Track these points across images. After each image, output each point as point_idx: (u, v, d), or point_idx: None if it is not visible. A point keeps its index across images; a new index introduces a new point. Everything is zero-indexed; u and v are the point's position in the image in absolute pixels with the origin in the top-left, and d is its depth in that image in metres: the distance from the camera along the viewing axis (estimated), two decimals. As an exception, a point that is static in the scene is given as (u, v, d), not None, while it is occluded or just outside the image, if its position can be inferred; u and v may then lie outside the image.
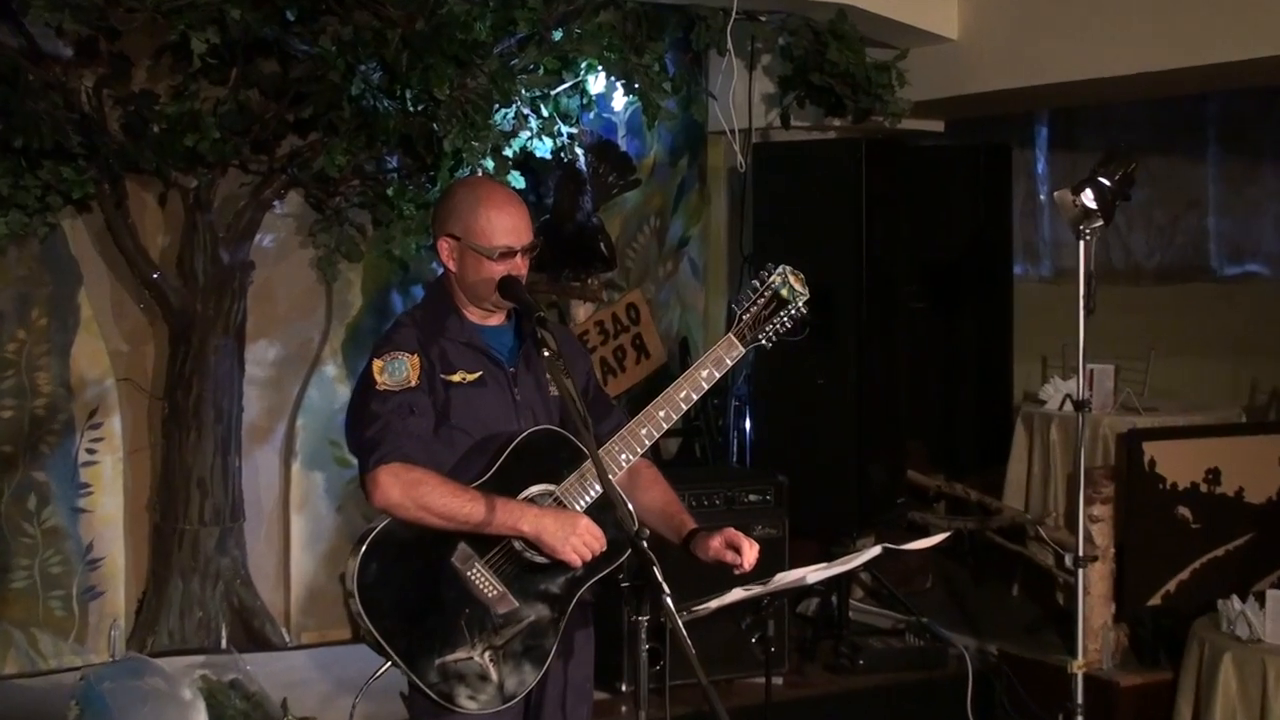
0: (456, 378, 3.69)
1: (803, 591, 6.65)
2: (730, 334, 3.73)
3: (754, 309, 3.72)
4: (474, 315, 3.79)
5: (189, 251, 5.83)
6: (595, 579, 3.65)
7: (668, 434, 7.83)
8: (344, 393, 6.23)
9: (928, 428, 7.72)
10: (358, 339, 6.27)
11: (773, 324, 3.71)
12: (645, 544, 3.25)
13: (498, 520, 3.53)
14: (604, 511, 3.58)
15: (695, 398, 3.71)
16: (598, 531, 3.55)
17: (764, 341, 3.73)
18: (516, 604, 3.58)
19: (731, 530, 3.74)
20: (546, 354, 3.50)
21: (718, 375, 3.72)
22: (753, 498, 6.01)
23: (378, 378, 3.66)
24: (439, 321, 3.76)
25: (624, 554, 3.61)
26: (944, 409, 7.88)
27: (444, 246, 3.78)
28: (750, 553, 3.69)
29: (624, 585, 3.63)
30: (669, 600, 3.13)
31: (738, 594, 3.61)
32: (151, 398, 5.98)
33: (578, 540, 3.53)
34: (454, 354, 3.72)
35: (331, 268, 6.02)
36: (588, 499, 3.62)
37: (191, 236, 5.82)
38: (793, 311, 3.72)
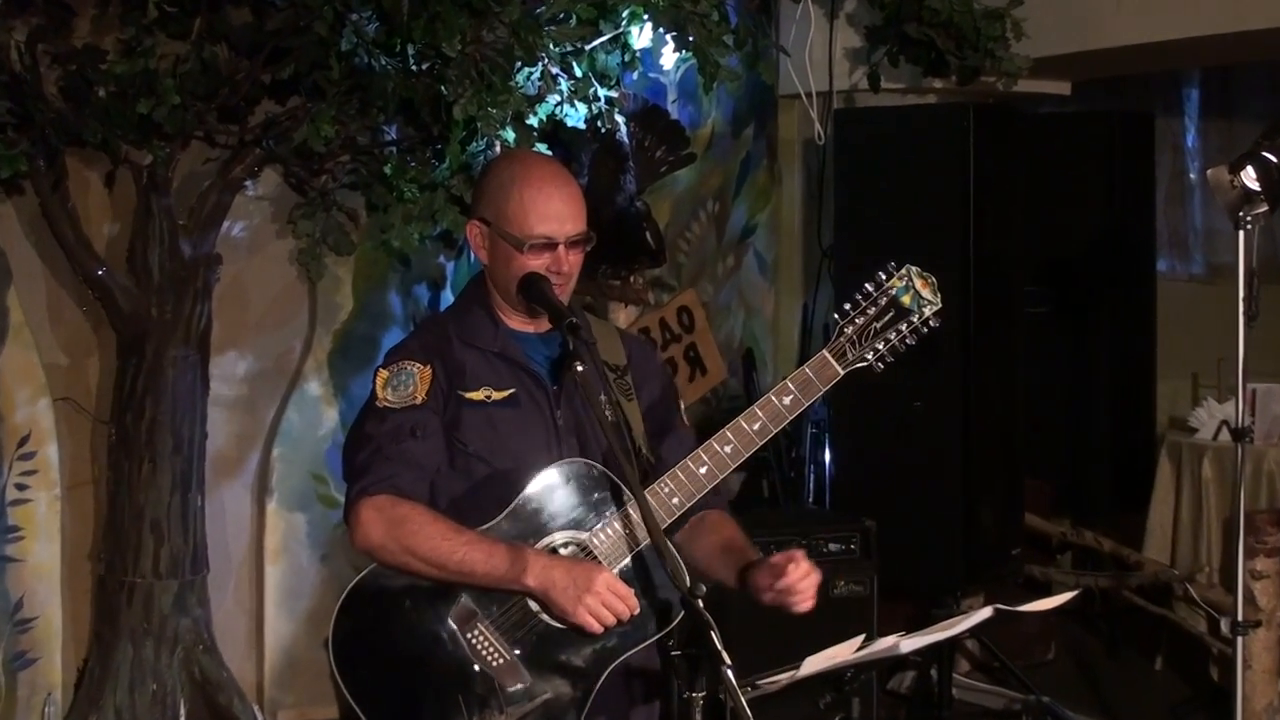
0: (479, 395, 3.70)
1: (895, 663, 6.62)
2: (825, 350, 3.67)
3: (861, 319, 3.66)
4: (514, 320, 3.80)
5: (142, 242, 5.85)
6: (633, 651, 3.62)
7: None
8: (330, 415, 6.25)
9: (1051, 462, 7.70)
10: (348, 350, 6.28)
11: (886, 340, 3.66)
12: (701, 603, 3.22)
13: (497, 571, 3.53)
14: (649, 568, 3.57)
15: (774, 431, 3.65)
16: (623, 590, 3.52)
17: (871, 361, 3.67)
18: (529, 677, 3.57)
19: (781, 556, 3.62)
20: (580, 369, 3.49)
21: (805, 403, 3.66)
22: (834, 547, 6.00)
23: (379, 392, 3.69)
24: (469, 326, 3.77)
25: (672, 621, 3.58)
26: (1071, 439, 7.84)
27: (473, 233, 3.79)
28: (798, 576, 3.56)
29: (675, 654, 3.62)
30: (730, 672, 3.11)
31: (815, 665, 3.58)
32: (95, 421, 6.00)
33: (594, 600, 3.49)
34: (480, 366, 3.72)
35: (316, 262, 6.02)
36: (627, 551, 3.60)
37: (145, 224, 5.84)
38: (916, 324, 3.67)
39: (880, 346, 3.66)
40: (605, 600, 3.49)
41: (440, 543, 3.53)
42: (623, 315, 6.86)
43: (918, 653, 4.47)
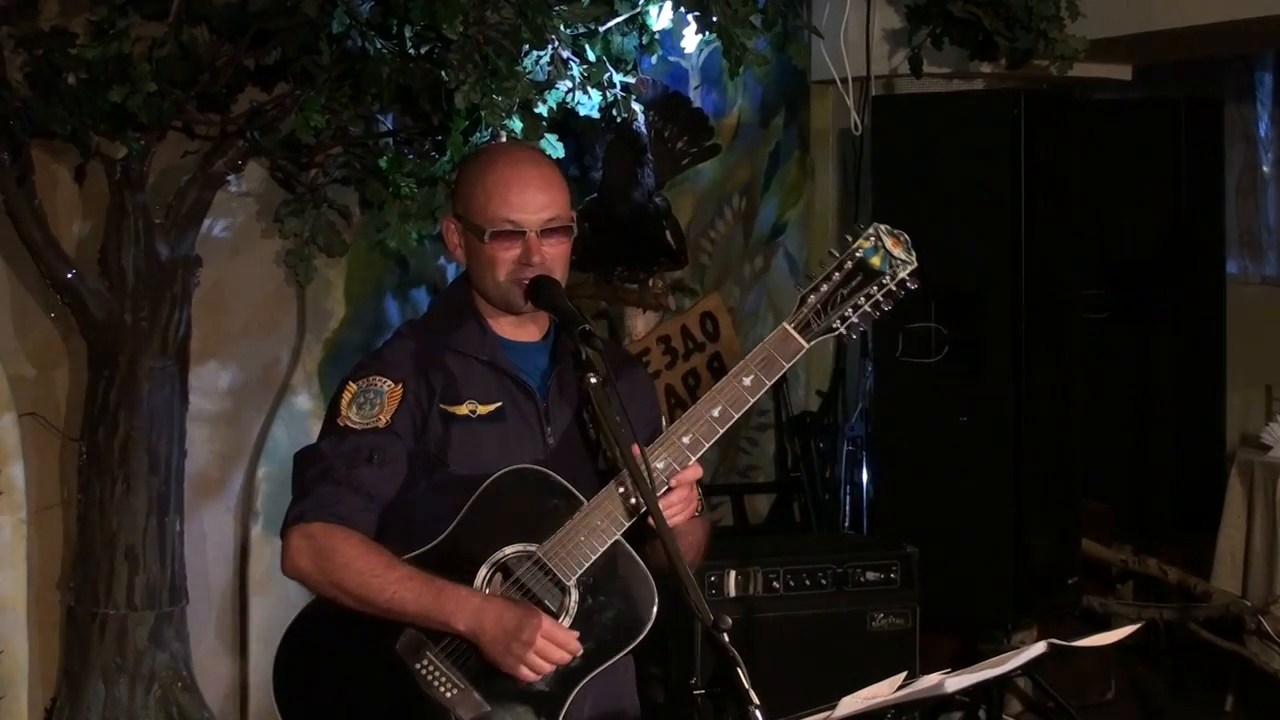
0: (463, 409, 3.70)
1: (940, 704, 6.61)
2: (786, 322, 3.67)
3: (827, 285, 3.64)
4: (502, 326, 3.80)
5: (115, 243, 5.86)
6: (599, 669, 3.62)
7: (756, 489, 7.85)
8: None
9: (1110, 483, 7.68)
10: (340, 360, 6.28)
11: (855, 305, 3.63)
12: (727, 637, 3.22)
13: (426, 613, 3.54)
14: (607, 578, 3.60)
15: (735, 416, 3.64)
16: (562, 636, 3.52)
17: (840, 330, 3.66)
18: (487, 707, 3.57)
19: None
20: (593, 380, 3.48)
21: (768, 383, 3.66)
22: (871, 576, 5.99)
23: (343, 409, 3.72)
24: (452, 333, 3.78)
25: (638, 634, 3.62)
26: (1133, 457, 7.83)
27: (448, 230, 3.81)
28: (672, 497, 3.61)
29: (698, 693, 3.63)
30: (758, 713, 3.12)
31: (852, 706, 3.57)
32: (65, 439, 6.01)
33: (522, 649, 3.49)
34: (465, 377, 3.73)
35: (305, 264, 6.03)
36: (583, 561, 3.59)
37: (118, 223, 5.85)
38: (890, 286, 3.64)
39: (849, 313, 3.64)
40: (541, 650, 3.49)
41: (369, 580, 3.54)
42: (640, 322, 6.87)
43: (964, 692, 4.46)
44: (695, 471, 3.64)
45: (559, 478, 3.62)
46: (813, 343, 3.65)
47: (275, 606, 6.23)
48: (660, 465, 3.59)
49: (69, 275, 5.82)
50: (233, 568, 6.26)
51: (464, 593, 3.55)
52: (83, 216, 5.96)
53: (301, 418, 6.28)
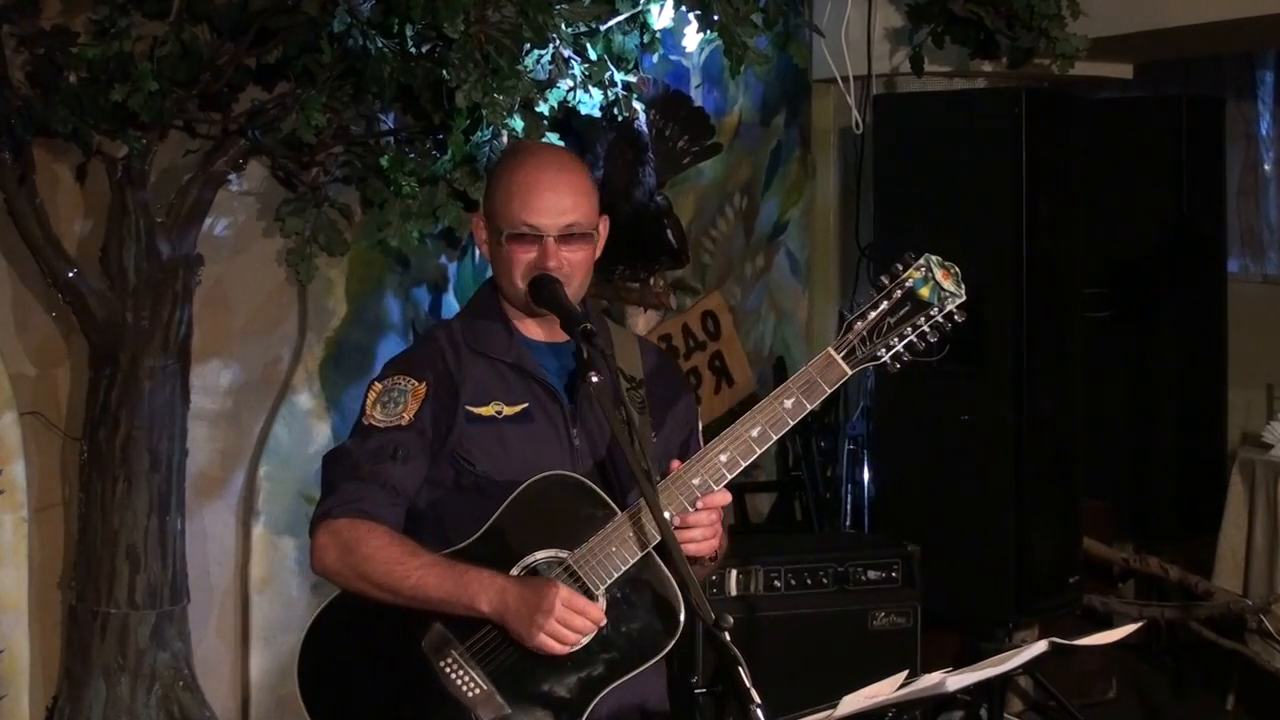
0: (488, 410, 3.71)
1: (941, 702, 6.62)
2: (831, 348, 3.64)
3: (875, 313, 3.62)
4: (530, 327, 3.81)
5: (116, 242, 5.86)
6: (623, 679, 3.62)
7: (757, 488, 7.84)
8: (322, 430, 6.25)
9: (1111, 481, 7.68)
10: (340, 359, 6.28)
11: (902, 335, 3.61)
12: (728, 636, 3.22)
13: (450, 596, 3.55)
14: (636, 590, 3.59)
15: (774, 437, 3.63)
16: (582, 604, 3.51)
17: (885, 359, 3.63)
18: (508, 710, 3.57)
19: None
20: (595, 380, 3.49)
21: (809, 407, 3.64)
22: (873, 574, 6.00)
23: (369, 409, 3.73)
24: (480, 332, 3.79)
25: (663, 647, 3.61)
26: (1134, 456, 7.82)
27: (477, 228, 3.84)
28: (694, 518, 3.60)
29: (700, 692, 3.62)
30: (760, 712, 3.12)
31: (853, 705, 3.57)
32: (66, 438, 6.01)
33: (546, 619, 3.48)
34: (491, 378, 3.74)
35: (306, 263, 6.03)
36: (614, 571, 3.59)
37: (120, 222, 5.85)
38: (937, 318, 3.62)
39: (895, 343, 3.61)
40: (562, 618, 3.48)
41: (394, 568, 3.56)
42: (641, 321, 6.86)
43: (965, 691, 4.47)
44: (724, 497, 3.63)
45: (597, 488, 3.63)
46: (856, 370, 3.62)
47: (276, 605, 6.24)
48: (696, 481, 3.59)
49: (70, 274, 5.82)
50: (234, 566, 6.25)
51: (487, 575, 3.55)
52: (84, 215, 5.96)
53: (302, 416, 6.28)
